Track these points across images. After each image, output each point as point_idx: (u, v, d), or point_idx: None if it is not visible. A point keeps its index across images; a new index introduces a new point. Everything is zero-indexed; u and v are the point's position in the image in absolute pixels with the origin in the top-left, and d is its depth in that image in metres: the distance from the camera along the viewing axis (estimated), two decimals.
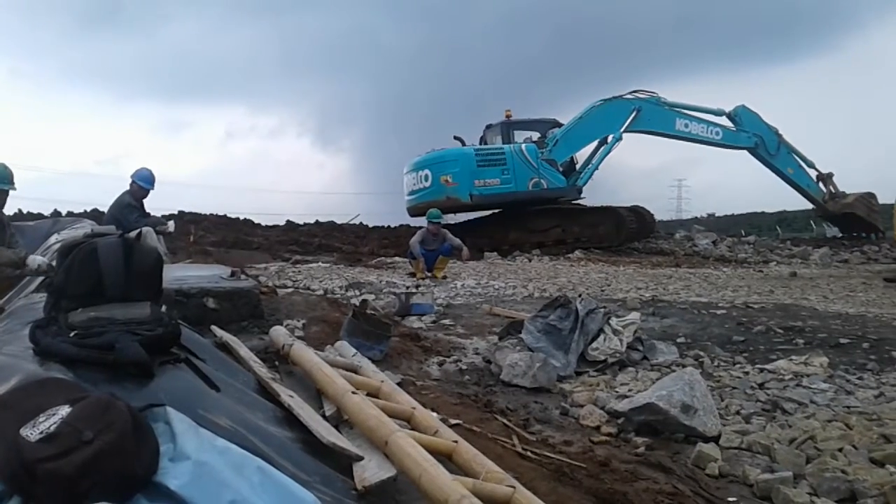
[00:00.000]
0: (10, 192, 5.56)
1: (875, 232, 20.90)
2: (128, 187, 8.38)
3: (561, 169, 18.97)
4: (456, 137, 19.56)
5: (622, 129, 19.20)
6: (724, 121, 20.60)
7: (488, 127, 20.22)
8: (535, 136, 19.66)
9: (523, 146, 18.89)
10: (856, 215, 20.65)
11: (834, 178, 21.21)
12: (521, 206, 19.10)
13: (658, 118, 19.69)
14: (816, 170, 20.71)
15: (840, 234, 23.35)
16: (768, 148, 20.33)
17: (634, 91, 19.62)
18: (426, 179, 18.84)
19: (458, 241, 12.12)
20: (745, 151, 20.78)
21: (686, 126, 19.88)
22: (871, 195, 20.95)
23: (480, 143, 19.77)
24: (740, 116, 20.34)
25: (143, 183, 8.39)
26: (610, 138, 19.34)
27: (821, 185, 20.86)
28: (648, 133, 20.03)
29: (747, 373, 4.52)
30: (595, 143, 19.77)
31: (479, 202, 18.29)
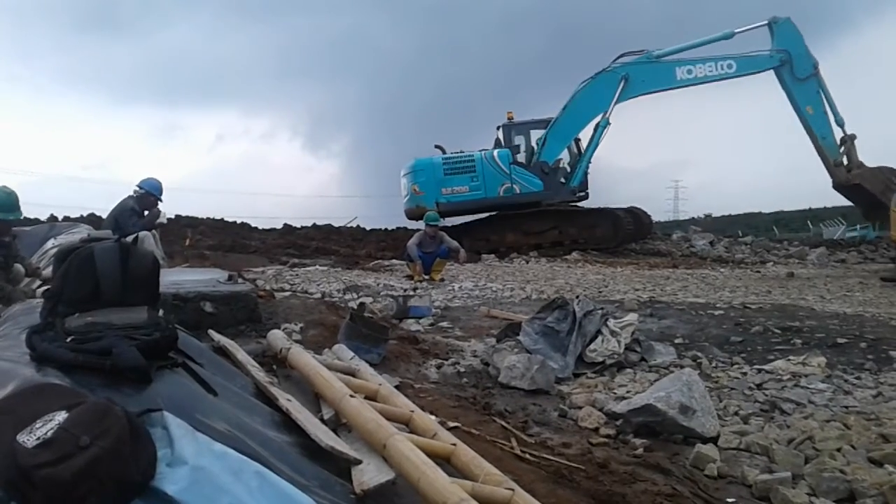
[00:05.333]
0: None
1: (877, 216, 17.77)
2: (130, 193, 8.38)
3: (546, 172, 18.78)
4: (437, 146, 19.67)
5: (612, 105, 18.20)
6: (736, 46, 17.97)
7: (505, 126, 19.84)
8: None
9: (495, 153, 18.91)
10: (864, 189, 16.78)
11: (856, 144, 17.21)
12: (495, 212, 19.16)
13: (653, 76, 18.37)
14: (843, 130, 17.17)
15: (835, 237, 23.21)
16: (796, 71, 17.18)
17: (620, 56, 18.51)
18: (406, 187, 19.33)
19: (455, 243, 12.14)
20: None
21: (689, 72, 18.04)
22: (893, 171, 16.89)
23: (495, 145, 19.59)
24: (780, 27, 17.46)
25: (154, 192, 8.41)
26: (596, 126, 18.60)
27: (842, 147, 17.20)
28: (647, 94, 18.60)
29: (745, 373, 4.52)
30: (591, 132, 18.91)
31: (447, 210, 18.13)
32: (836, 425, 3.32)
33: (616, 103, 18.23)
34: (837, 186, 17.31)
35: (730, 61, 17.88)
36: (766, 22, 17.60)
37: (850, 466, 2.80)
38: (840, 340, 5.48)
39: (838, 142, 17.11)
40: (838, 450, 2.99)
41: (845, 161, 16.92)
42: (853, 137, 17.02)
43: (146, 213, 8.40)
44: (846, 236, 29.15)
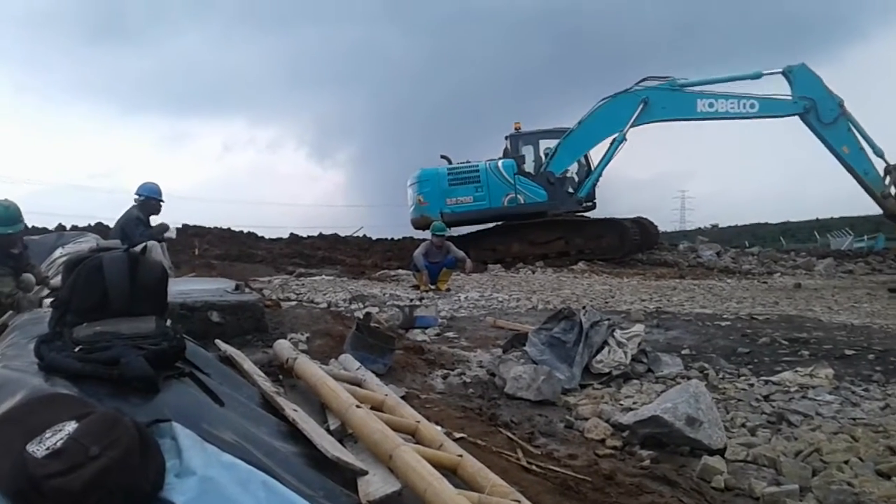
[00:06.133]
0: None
1: None
2: (133, 202, 8.43)
3: (552, 182, 18.75)
4: (443, 156, 19.72)
5: (628, 126, 17.95)
6: (763, 87, 17.68)
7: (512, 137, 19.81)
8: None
9: (500, 163, 18.94)
10: None
11: None
12: (499, 222, 19.16)
13: (673, 104, 17.99)
14: (885, 160, 16.36)
15: (843, 248, 23.08)
16: (821, 116, 16.58)
17: (644, 79, 18.22)
18: (412, 197, 19.42)
19: (461, 253, 12.14)
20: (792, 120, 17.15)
21: (710, 106, 17.60)
22: None
23: (504, 154, 19.57)
24: (795, 76, 16.97)
25: (154, 195, 8.46)
26: (612, 141, 18.37)
27: (887, 178, 16.36)
28: (665, 121, 18.39)
29: (752, 385, 4.50)
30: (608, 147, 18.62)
31: (451, 220, 17.90)
32: (844, 437, 3.31)
33: (632, 125, 18.02)
34: (890, 217, 16.79)
35: (753, 101, 17.50)
36: (780, 70, 17.21)
37: (857, 479, 2.78)
38: (848, 352, 5.46)
39: (882, 172, 16.36)
40: (846, 462, 2.97)
41: (893, 191, 16.20)
42: None
43: (151, 217, 8.45)
44: (854, 247, 29.07)
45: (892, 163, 16.23)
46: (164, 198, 8.60)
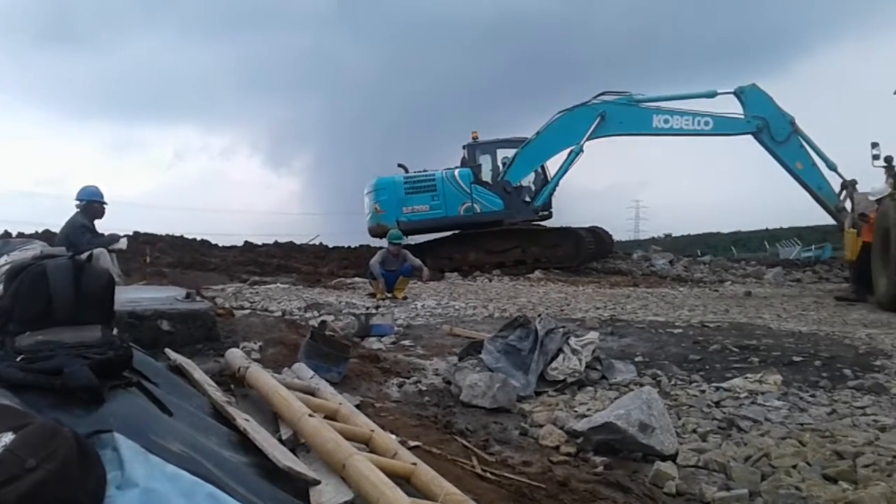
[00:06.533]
0: None
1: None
2: (75, 209, 8.24)
3: (508, 191, 18.92)
4: (400, 165, 19.76)
5: (584, 139, 18.22)
6: (718, 104, 18.10)
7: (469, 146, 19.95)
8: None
9: (456, 171, 19.07)
10: None
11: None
12: (456, 230, 19.30)
13: (630, 119, 18.28)
14: (839, 175, 16.67)
15: (791, 257, 23.48)
16: (774, 134, 17.13)
17: (602, 94, 18.50)
18: (368, 205, 19.45)
19: (418, 261, 12.16)
20: (747, 137, 17.76)
21: (666, 122, 17.99)
22: None
23: (462, 163, 19.67)
24: (747, 96, 17.52)
25: (97, 198, 8.28)
26: (570, 152, 18.61)
27: (843, 193, 16.60)
28: (620, 135, 18.71)
29: (704, 391, 4.57)
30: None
31: (408, 228, 18.11)
32: (792, 442, 3.38)
33: (589, 139, 18.24)
34: (840, 228, 16.41)
35: (707, 119, 17.86)
36: (732, 91, 17.65)
37: (805, 483, 2.84)
38: (796, 359, 5.58)
39: (838, 188, 16.72)
40: (794, 467, 3.03)
41: (848, 205, 16.14)
42: (854, 182, 16.18)
43: (96, 221, 8.28)
44: (802, 256, 29.75)
45: (846, 177, 16.52)
46: (106, 200, 8.43)
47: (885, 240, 10.45)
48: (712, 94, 17.89)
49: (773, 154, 17.39)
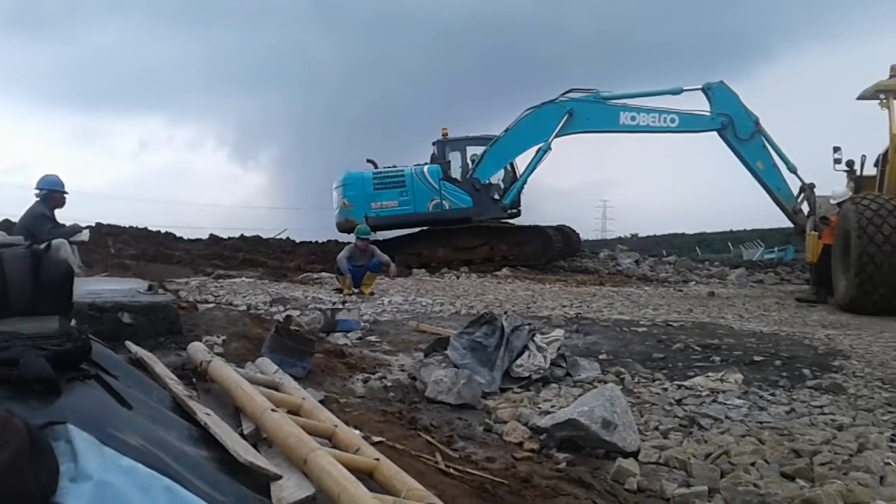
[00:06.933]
0: None
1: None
2: (36, 198, 8.09)
3: (477, 189, 18.90)
4: (369, 160, 19.65)
5: (552, 136, 18.25)
6: (683, 102, 18.17)
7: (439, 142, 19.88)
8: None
9: (425, 168, 19.01)
10: None
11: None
12: (424, 227, 19.25)
13: (597, 116, 18.31)
14: (799, 177, 17.05)
15: (754, 259, 23.82)
16: (738, 132, 17.33)
17: (569, 91, 18.51)
18: (337, 200, 19.33)
19: (386, 257, 12.11)
20: (712, 134, 17.85)
21: (633, 119, 18.07)
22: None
23: (431, 160, 19.63)
24: (714, 92, 17.67)
25: (58, 188, 8.13)
26: (538, 150, 18.62)
27: (801, 196, 16.95)
28: (588, 133, 18.73)
29: (666, 389, 4.62)
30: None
31: (376, 224, 17.98)
32: (751, 440, 3.43)
33: (556, 136, 18.28)
34: (800, 232, 17.04)
35: (673, 116, 17.95)
36: (700, 87, 17.83)
37: (763, 480, 2.88)
38: (756, 358, 5.67)
39: (797, 190, 17.02)
40: (753, 464, 3.08)
41: (805, 208, 16.68)
42: (812, 186, 16.51)
43: (56, 210, 8.14)
44: (764, 258, 30.27)
45: (805, 180, 16.79)
46: (67, 189, 8.28)
47: (845, 243, 10.67)
48: (678, 91, 18.02)
49: (736, 152, 17.62)
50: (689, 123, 18.07)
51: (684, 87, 18.08)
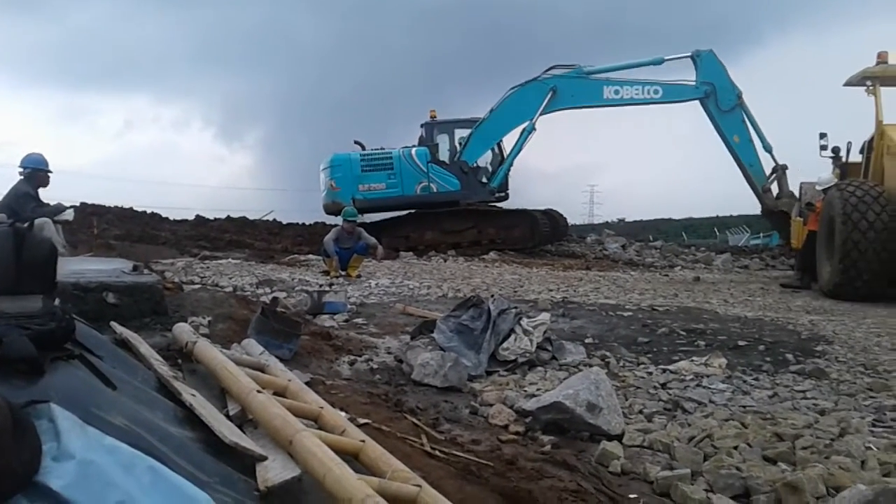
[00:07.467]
0: None
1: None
2: (20, 176, 8.02)
3: (465, 171, 18.89)
4: (356, 142, 19.58)
5: (538, 114, 18.23)
6: (664, 73, 18.42)
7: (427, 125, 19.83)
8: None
9: (413, 150, 19.00)
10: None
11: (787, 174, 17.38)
12: (412, 209, 19.24)
13: (581, 91, 18.41)
14: (773, 158, 17.37)
15: (740, 244, 23.92)
16: (720, 103, 17.51)
17: (552, 67, 18.53)
18: (324, 182, 19.30)
19: (373, 240, 12.10)
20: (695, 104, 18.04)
21: (616, 93, 18.19)
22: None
23: (419, 142, 19.58)
24: (702, 60, 17.80)
25: (42, 166, 8.07)
26: (522, 130, 18.63)
27: (773, 176, 17.40)
28: (573, 108, 18.77)
29: (651, 373, 4.65)
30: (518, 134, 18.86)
31: (363, 206, 18.02)
32: (734, 424, 3.45)
33: (542, 113, 18.28)
34: (765, 212, 17.78)
35: (657, 87, 18.17)
36: (689, 54, 17.91)
37: (745, 464, 2.90)
38: (741, 343, 5.72)
39: (769, 170, 17.37)
40: (735, 448, 3.10)
41: (774, 188, 17.20)
42: (784, 168, 17.22)
43: (40, 189, 8.08)
44: (750, 244, 30.43)
45: (779, 161, 17.25)
46: (51, 168, 8.22)
47: (829, 229, 10.74)
48: (659, 61, 18.17)
49: (715, 124, 17.76)
50: (672, 94, 18.22)
51: (671, 56, 18.19)
